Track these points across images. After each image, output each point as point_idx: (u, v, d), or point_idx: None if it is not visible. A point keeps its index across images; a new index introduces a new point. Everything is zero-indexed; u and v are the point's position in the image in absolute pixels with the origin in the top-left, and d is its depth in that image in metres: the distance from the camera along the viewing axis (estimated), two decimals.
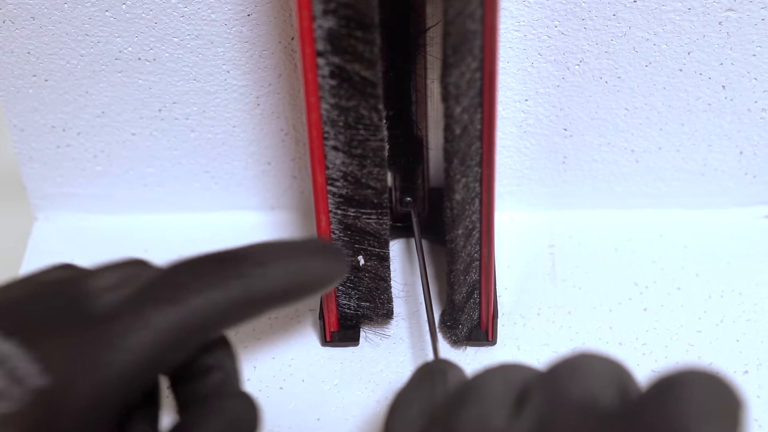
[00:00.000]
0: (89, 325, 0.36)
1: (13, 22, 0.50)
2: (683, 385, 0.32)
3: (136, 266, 0.39)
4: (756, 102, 0.52)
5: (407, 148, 0.50)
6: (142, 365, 0.35)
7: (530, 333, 0.51)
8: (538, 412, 0.33)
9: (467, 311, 0.50)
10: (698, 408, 0.31)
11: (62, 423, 0.34)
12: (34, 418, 0.34)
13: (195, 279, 0.37)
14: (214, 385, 0.39)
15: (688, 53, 0.50)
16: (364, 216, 0.46)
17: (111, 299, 0.36)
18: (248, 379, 0.50)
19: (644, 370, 0.50)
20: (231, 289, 0.37)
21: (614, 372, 0.34)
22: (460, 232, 0.46)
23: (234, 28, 0.50)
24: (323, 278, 0.40)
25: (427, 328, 0.51)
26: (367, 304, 0.50)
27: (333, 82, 0.41)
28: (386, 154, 0.44)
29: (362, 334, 0.51)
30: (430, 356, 0.50)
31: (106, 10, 0.49)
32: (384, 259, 0.49)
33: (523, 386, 0.35)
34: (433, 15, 0.47)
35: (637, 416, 0.32)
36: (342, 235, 0.47)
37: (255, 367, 0.50)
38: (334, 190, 0.45)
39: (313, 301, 0.52)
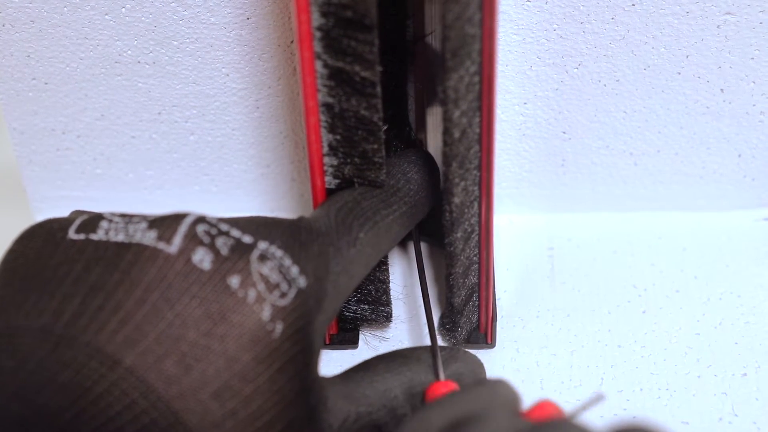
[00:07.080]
0: (320, 243, 0.41)
1: (12, 26, 0.50)
2: None
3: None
4: (754, 105, 0.52)
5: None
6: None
7: (529, 335, 0.51)
8: None
9: (466, 314, 0.50)
10: None
11: (313, 319, 0.39)
12: (297, 313, 0.39)
13: None
14: None
15: (687, 56, 0.50)
16: None
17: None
18: None
19: (643, 372, 0.50)
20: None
21: None
22: (459, 235, 0.46)
23: (233, 32, 0.50)
24: None
25: (426, 331, 0.51)
26: (366, 306, 0.50)
27: (332, 84, 0.41)
28: (384, 155, 0.44)
29: (361, 337, 0.51)
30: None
31: (106, 14, 0.49)
32: (383, 261, 0.49)
33: None
34: (431, 19, 0.47)
35: None
36: None
37: None
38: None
39: None
